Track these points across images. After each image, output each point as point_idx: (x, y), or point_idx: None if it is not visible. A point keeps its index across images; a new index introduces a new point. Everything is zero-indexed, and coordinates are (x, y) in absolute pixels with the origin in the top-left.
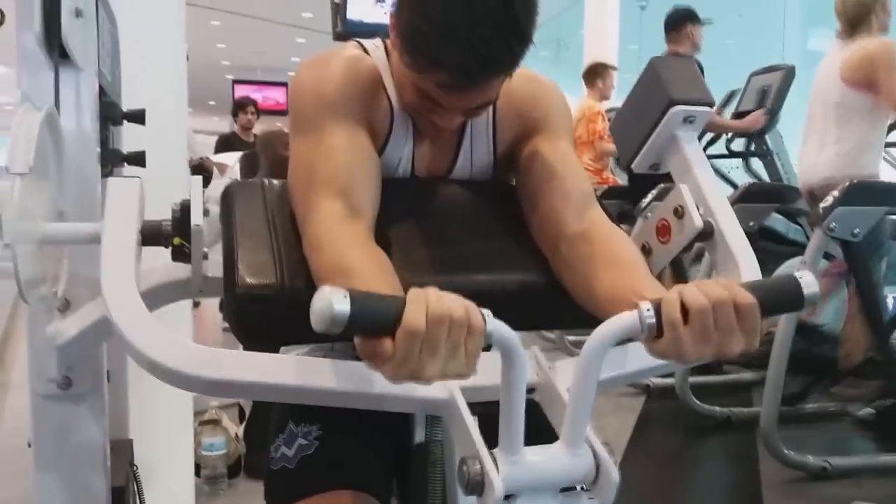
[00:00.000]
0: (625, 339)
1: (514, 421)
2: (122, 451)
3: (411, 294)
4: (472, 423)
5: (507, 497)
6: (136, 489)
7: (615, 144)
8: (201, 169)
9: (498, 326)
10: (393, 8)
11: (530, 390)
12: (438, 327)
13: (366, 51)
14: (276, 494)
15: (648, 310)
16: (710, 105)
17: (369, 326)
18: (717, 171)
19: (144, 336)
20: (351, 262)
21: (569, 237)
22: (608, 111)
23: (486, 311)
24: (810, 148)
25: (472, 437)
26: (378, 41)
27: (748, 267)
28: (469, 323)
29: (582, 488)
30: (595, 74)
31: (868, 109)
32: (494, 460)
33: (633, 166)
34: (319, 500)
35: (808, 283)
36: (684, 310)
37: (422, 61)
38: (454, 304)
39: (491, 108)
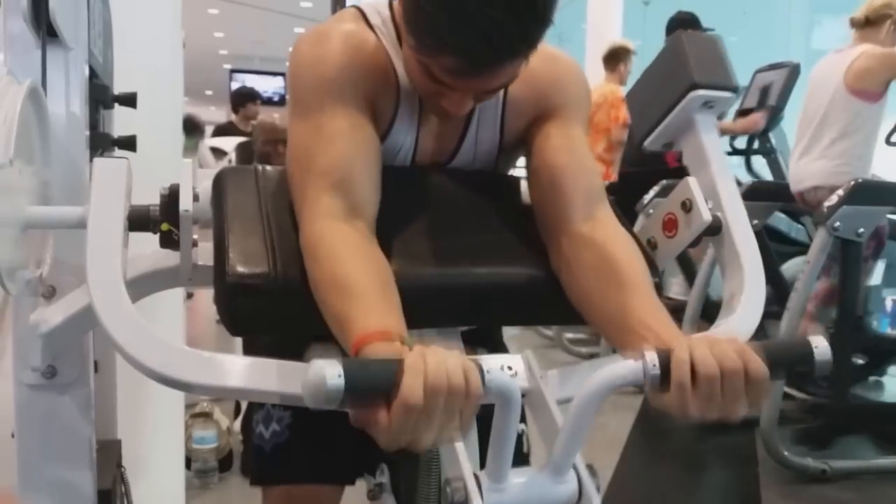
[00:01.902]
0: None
1: (503, 453)
2: (109, 452)
3: (409, 361)
4: (459, 443)
5: None
6: (123, 490)
7: (630, 114)
8: (192, 124)
9: (496, 379)
10: None
11: (521, 395)
12: (436, 399)
13: (367, 18)
14: (254, 472)
15: (655, 365)
16: (733, 90)
17: (366, 399)
18: None
19: (127, 334)
20: (349, 275)
21: (572, 235)
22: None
23: (485, 363)
24: (801, 153)
25: (458, 458)
26: (384, 4)
27: (752, 267)
28: (468, 391)
29: None
30: (617, 58)
31: (864, 120)
32: (479, 484)
33: (646, 143)
34: (288, 490)
35: (822, 351)
36: (692, 370)
37: (427, 43)
38: (452, 370)
39: (501, 91)
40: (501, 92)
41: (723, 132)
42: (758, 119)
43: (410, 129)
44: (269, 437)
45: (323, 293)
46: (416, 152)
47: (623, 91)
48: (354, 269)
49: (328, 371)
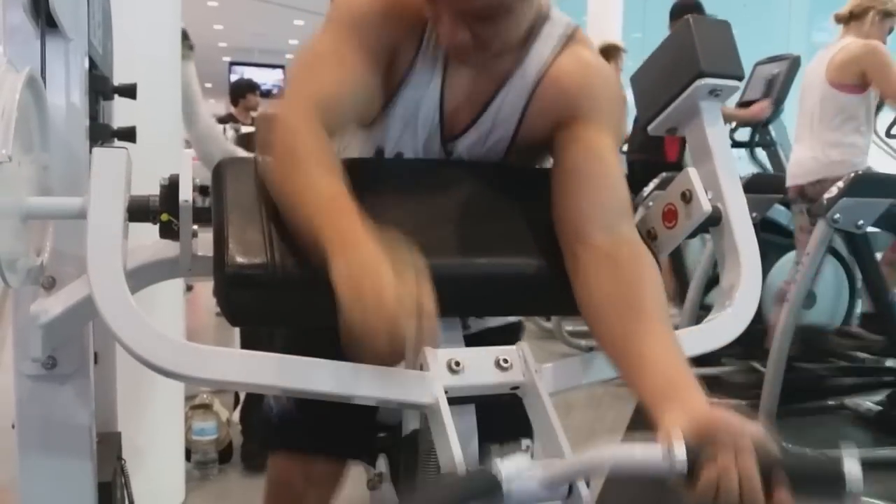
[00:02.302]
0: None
1: None
2: (110, 445)
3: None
4: (454, 437)
5: None
6: (123, 482)
7: (634, 98)
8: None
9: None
10: None
11: (515, 388)
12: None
13: None
14: (262, 439)
15: (682, 460)
16: (739, 79)
17: None
18: None
19: (127, 326)
20: (301, 142)
21: (593, 248)
22: None
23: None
24: (799, 147)
25: (453, 452)
26: None
27: (750, 259)
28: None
29: None
30: (607, 56)
31: (853, 111)
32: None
33: (650, 128)
34: (292, 461)
35: (854, 476)
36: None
37: None
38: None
39: (531, 84)
40: (531, 85)
41: (730, 119)
42: (765, 106)
43: (432, 83)
44: (278, 411)
45: (286, 194)
46: (443, 112)
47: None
48: (323, 178)
49: None
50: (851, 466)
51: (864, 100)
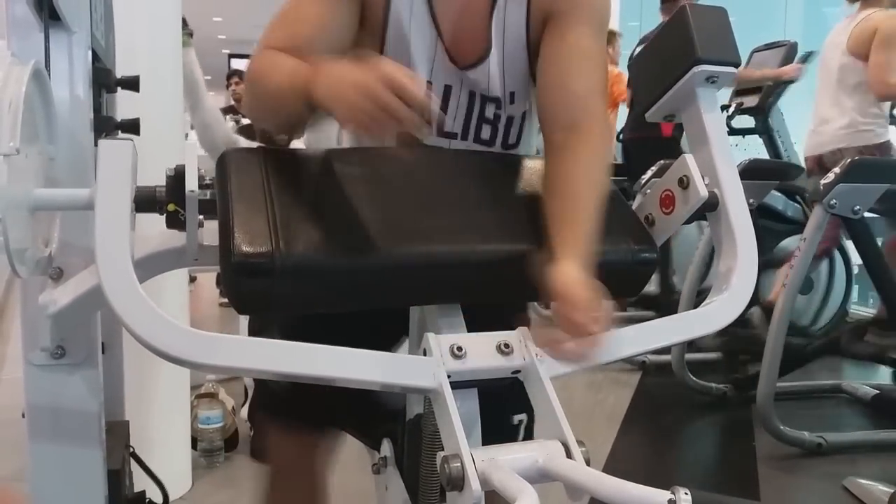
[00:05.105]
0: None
1: None
2: (118, 433)
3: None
4: (457, 420)
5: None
6: (132, 471)
7: (631, 81)
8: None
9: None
10: None
11: (516, 371)
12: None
13: None
14: (262, 405)
15: None
16: (736, 65)
17: None
18: None
19: (137, 315)
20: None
21: (550, 141)
22: None
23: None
24: (820, 118)
25: (456, 435)
26: None
27: (746, 244)
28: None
29: None
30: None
31: None
32: (474, 460)
33: (647, 115)
34: (288, 425)
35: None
36: None
37: None
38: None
39: None
40: None
41: (757, 81)
42: (799, 66)
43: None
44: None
45: (268, 89)
46: (446, 50)
47: (617, 70)
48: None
49: None
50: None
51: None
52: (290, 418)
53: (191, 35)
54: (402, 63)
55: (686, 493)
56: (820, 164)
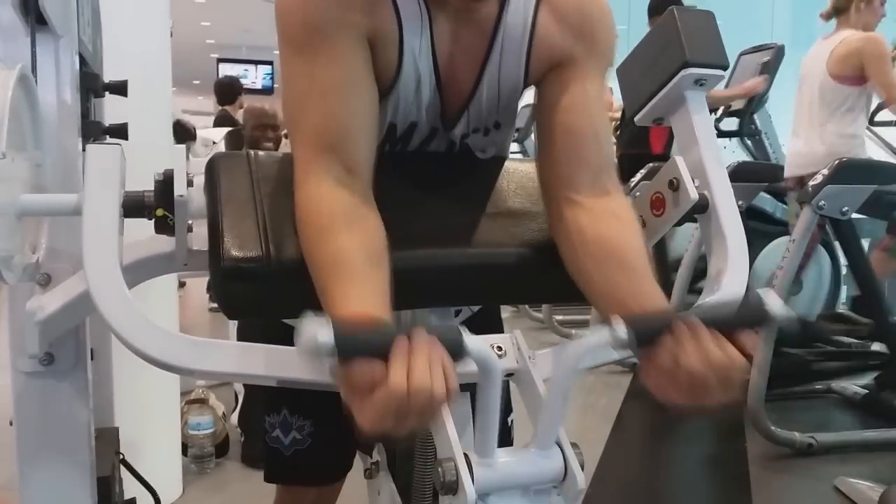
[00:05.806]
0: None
1: (488, 427)
2: (108, 440)
3: (394, 352)
4: (450, 424)
5: (479, 497)
6: (122, 478)
7: (620, 88)
8: (181, 129)
9: (475, 346)
10: None
11: (509, 374)
12: (417, 397)
13: None
14: (270, 471)
15: (623, 329)
16: (724, 68)
17: (359, 353)
18: None
19: (126, 321)
20: (338, 251)
21: (577, 204)
22: None
23: (464, 332)
24: (799, 140)
25: (450, 439)
26: None
27: (736, 245)
28: (447, 391)
29: (554, 486)
30: None
31: (853, 102)
32: (468, 462)
33: (636, 118)
34: (307, 491)
35: (775, 308)
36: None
37: None
38: (436, 373)
39: (530, 18)
40: (529, 19)
41: (724, 101)
42: (760, 81)
43: (421, 37)
44: (290, 444)
45: (312, 266)
46: (438, 79)
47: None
48: (344, 243)
49: (319, 322)
50: (771, 300)
51: (864, 91)
52: (299, 482)
53: (193, 138)
54: (407, 110)
55: None
56: (801, 184)
